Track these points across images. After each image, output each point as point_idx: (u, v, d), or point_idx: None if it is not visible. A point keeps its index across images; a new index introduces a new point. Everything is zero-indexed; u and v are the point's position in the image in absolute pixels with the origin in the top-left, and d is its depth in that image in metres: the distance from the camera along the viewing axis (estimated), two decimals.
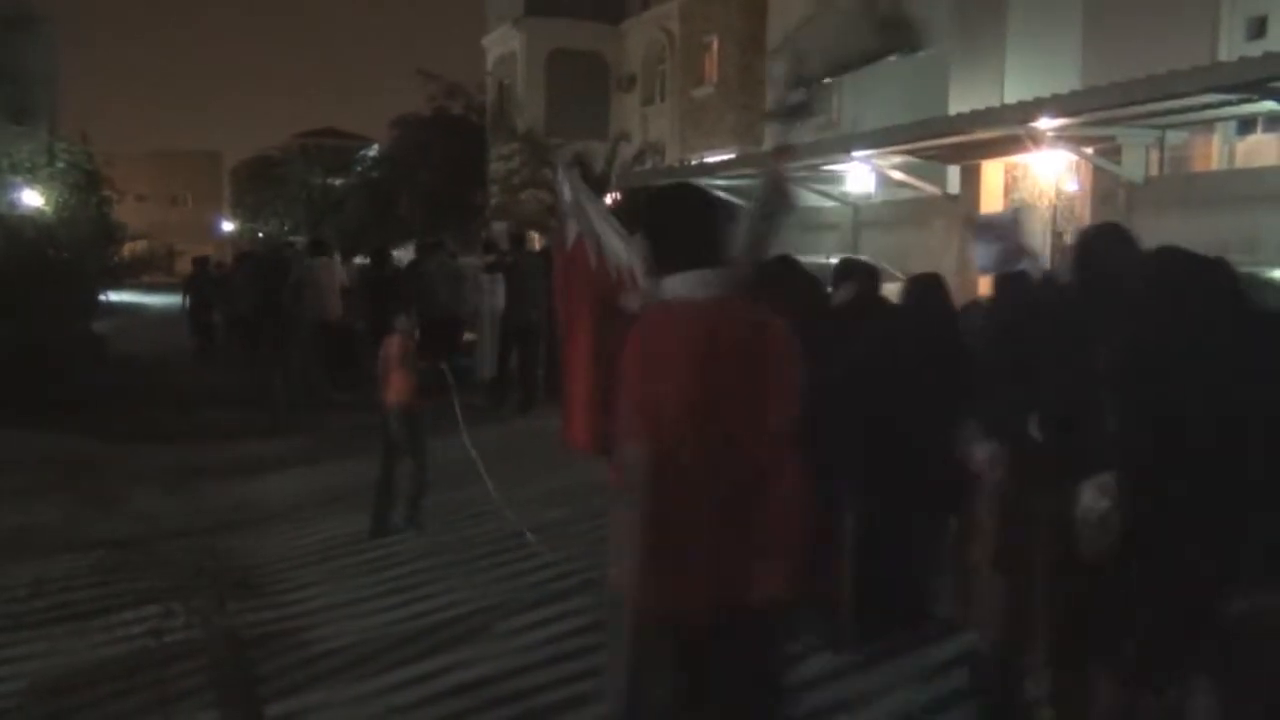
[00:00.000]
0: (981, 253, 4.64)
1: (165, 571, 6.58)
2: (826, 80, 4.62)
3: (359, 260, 20.44)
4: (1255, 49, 9.39)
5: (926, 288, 5.26)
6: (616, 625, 2.84)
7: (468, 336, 14.22)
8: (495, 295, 13.32)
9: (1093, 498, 3.22)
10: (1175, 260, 3.35)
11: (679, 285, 2.83)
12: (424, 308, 9.71)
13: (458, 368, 8.37)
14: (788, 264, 5.06)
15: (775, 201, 3.78)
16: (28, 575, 6.49)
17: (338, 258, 16.35)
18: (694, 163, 22.48)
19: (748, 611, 2.71)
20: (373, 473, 7.35)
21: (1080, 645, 3.42)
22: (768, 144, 20.95)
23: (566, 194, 4.94)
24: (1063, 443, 3.48)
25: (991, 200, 15.31)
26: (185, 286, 20.65)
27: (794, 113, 4.13)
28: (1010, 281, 4.42)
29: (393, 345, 7.32)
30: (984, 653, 4.00)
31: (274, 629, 5.59)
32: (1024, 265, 4.47)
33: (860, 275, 5.53)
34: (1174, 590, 2.94)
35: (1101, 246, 3.86)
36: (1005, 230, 4.72)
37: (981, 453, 3.83)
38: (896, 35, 4.06)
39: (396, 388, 7.25)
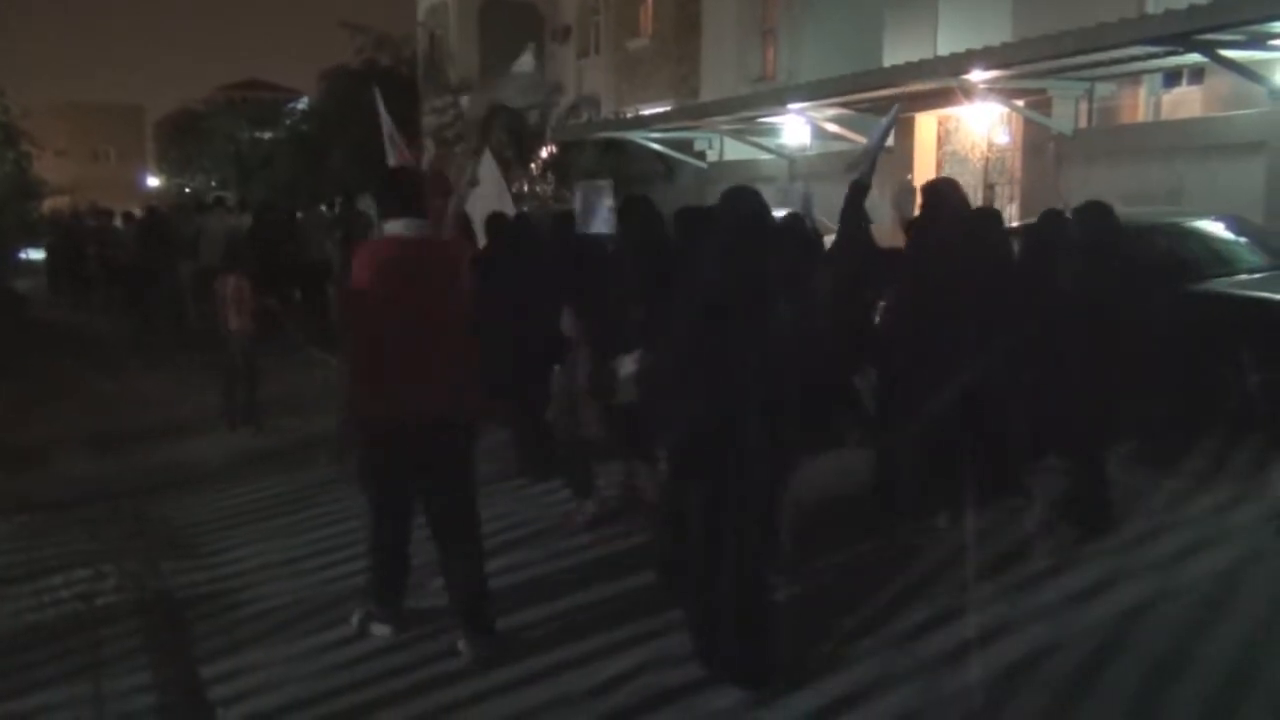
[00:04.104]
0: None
1: (95, 534, 6.47)
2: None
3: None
4: (1181, 1, 9.51)
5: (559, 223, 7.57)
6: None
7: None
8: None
9: (628, 364, 5.52)
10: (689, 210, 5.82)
11: (394, 227, 4.53)
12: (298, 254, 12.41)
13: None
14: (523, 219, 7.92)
15: (474, 178, 5.78)
16: None
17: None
18: (629, 115, 22.31)
19: (441, 420, 4.44)
20: (298, 431, 8.64)
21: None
22: (705, 97, 20.87)
23: (385, 126, 6.64)
24: (614, 328, 5.70)
25: (925, 152, 15.43)
26: (59, 244, 20.00)
27: (487, 129, 5.78)
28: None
29: (228, 285, 9.14)
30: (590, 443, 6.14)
31: (207, 590, 5.53)
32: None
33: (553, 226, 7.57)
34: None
35: (636, 210, 6.11)
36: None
37: (570, 328, 6.01)
38: (532, 95, 6.04)
39: (239, 319, 9.11)
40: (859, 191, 6.16)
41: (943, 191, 5.99)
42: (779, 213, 6.73)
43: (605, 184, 6.99)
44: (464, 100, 7.40)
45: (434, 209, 6.56)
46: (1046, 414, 5.82)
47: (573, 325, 6.05)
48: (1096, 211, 5.97)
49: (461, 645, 4.55)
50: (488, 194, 9.04)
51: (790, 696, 4.12)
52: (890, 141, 15.75)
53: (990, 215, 6.60)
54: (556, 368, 6.19)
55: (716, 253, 4.30)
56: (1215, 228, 8.27)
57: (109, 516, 6.86)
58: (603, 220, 6.90)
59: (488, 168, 9.50)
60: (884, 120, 7.13)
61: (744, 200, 4.43)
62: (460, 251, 4.81)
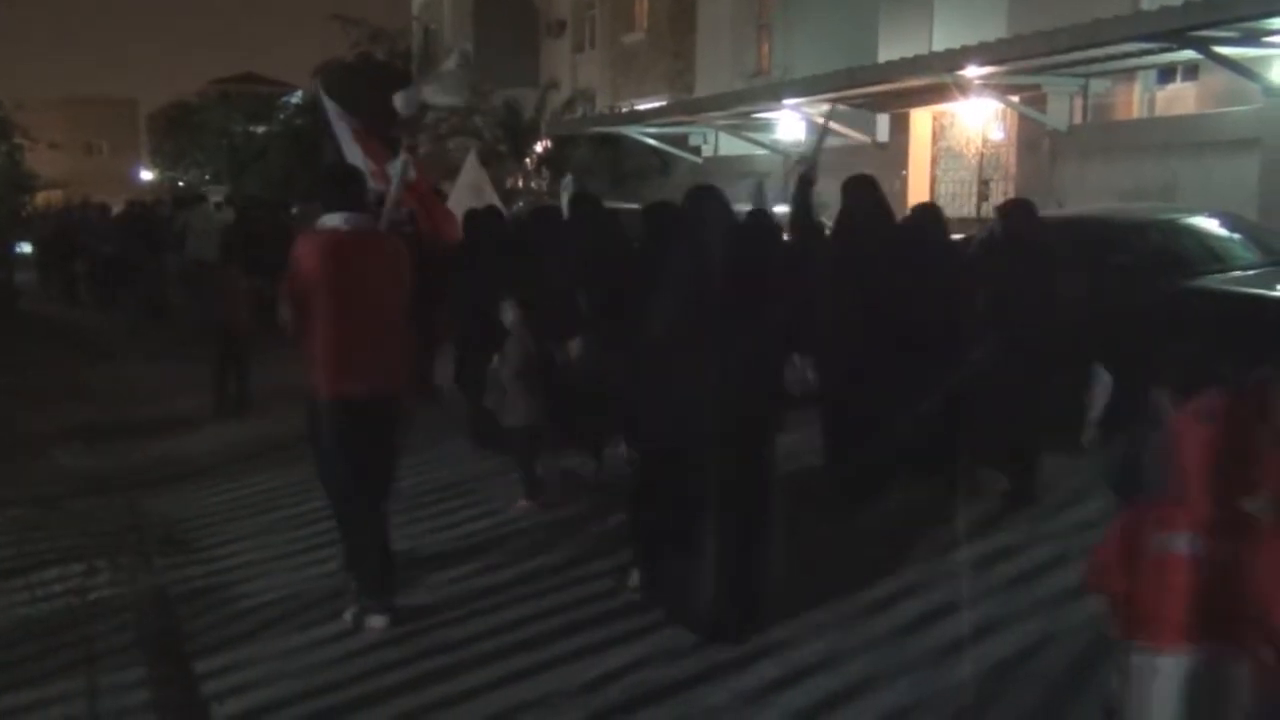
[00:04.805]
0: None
1: (88, 529, 6.45)
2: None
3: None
4: None
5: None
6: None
7: None
8: None
9: (575, 346, 6.41)
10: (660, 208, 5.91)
11: (331, 220, 4.87)
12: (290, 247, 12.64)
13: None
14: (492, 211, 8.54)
15: (406, 176, 6.03)
16: None
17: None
18: (625, 110, 22.28)
19: (382, 396, 4.86)
20: (284, 428, 8.18)
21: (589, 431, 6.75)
22: (700, 92, 20.85)
23: (331, 119, 7.11)
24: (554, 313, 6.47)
25: (920, 148, 15.43)
26: (52, 238, 19.98)
27: (412, 125, 6.14)
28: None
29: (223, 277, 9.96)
30: (518, 432, 6.41)
31: (201, 585, 5.53)
32: None
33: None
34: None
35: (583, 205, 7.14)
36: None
37: (509, 314, 6.36)
38: (455, 95, 6.50)
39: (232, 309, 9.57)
40: (805, 185, 6.67)
41: (849, 190, 6.41)
42: (744, 208, 7.56)
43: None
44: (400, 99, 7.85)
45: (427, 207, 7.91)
46: (972, 404, 6.03)
47: (511, 316, 6.34)
48: (1020, 210, 6.29)
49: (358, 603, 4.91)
50: (468, 191, 9.65)
51: (783, 692, 4.13)
52: (885, 138, 15.83)
53: (927, 214, 6.76)
54: (495, 356, 6.43)
55: (691, 252, 4.61)
56: (1209, 224, 8.27)
57: (102, 511, 6.84)
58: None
59: (471, 166, 9.91)
60: (821, 121, 7.98)
61: (709, 200, 4.79)
62: (397, 243, 5.23)
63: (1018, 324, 5.76)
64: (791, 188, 7.55)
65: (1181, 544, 2.72)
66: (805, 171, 6.71)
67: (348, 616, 4.87)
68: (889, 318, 5.81)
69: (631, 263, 6.04)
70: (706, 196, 4.83)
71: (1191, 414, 2.76)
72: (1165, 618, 2.74)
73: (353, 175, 5.34)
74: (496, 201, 9.44)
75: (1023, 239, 6.08)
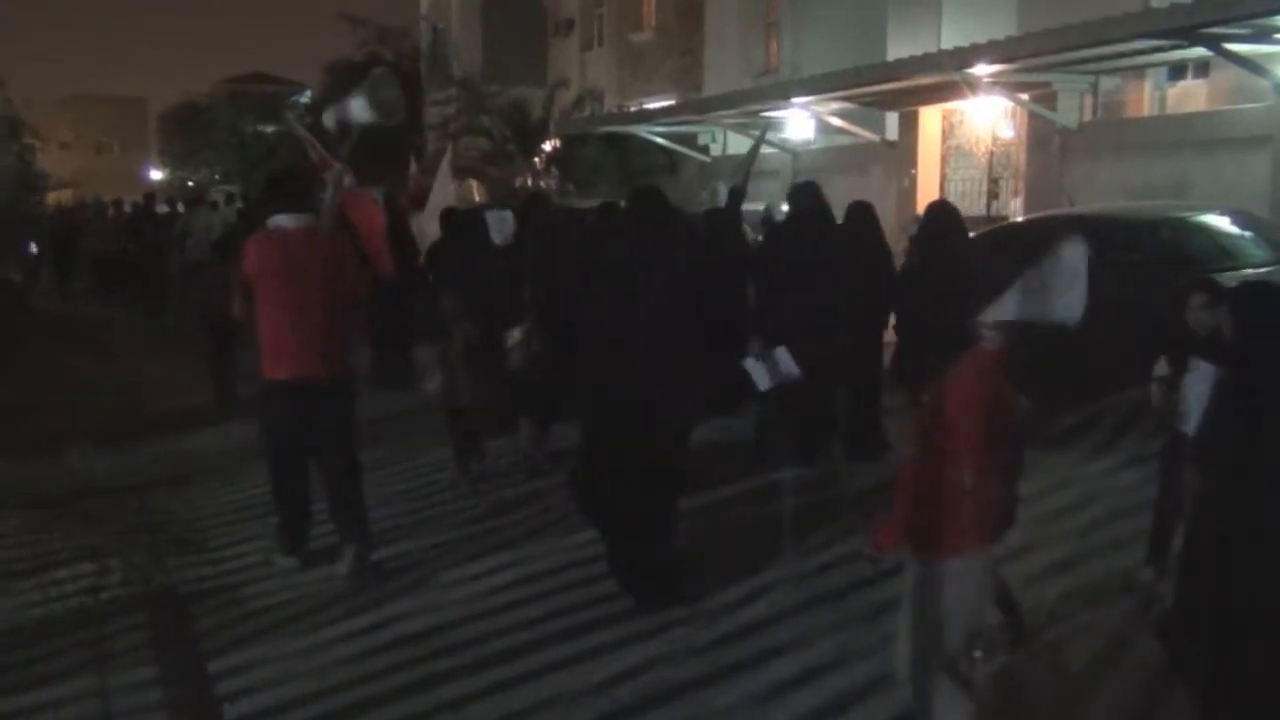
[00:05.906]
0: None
1: (100, 528, 6.46)
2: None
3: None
4: None
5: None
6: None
7: None
8: None
9: (514, 335, 6.73)
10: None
11: (279, 220, 5.39)
12: None
13: None
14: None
15: (339, 185, 6.01)
16: None
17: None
18: (632, 109, 22.27)
19: (322, 382, 5.30)
20: None
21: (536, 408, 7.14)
22: (708, 90, 20.83)
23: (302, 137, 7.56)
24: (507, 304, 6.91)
25: (929, 146, 15.39)
26: (57, 237, 20.15)
27: (345, 135, 6.52)
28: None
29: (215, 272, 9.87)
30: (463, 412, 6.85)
31: (213, 584, 5.54)
32: None
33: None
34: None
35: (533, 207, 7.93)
36: None
37: (450, 307, 6.78)
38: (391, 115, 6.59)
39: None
40: (737, 196, 7.07)
41: (794, 197, 7.07)
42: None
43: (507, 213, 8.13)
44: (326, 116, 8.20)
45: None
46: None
47: (453, 305, 6.78)
48: (939, 208, 6.82)
49: (343, 566, 5.40)
50: (442, 193, 10.41)
51: (793, 693, 4.13)
52: (894, 136, 15.79)
53: (860, 214, 7.21)
54: (444, 344, 6.77)
55: (621, 247, 5.07)
56: (1220, 222, 8.24)
57: (114, 511, 6.86)
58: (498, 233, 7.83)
59: (442, 171, 11.05)
60: (758, 134, 8.80)
61: (648, 199, 5.23)
62: (340, 241, 5.68)
63: (934, 316, 5.87)
64: (724, 196, 7.88)
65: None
66: (737, 184, 7.12)
67: (264, 557, 5.69)
68: (818, 307, 6.41)
69: (567, 260, 6.63)
70: (643, 198, 5.26)
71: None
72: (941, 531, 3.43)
73: (297, 179, 5.85)
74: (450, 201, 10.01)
75: (942, 237, 6.40)
